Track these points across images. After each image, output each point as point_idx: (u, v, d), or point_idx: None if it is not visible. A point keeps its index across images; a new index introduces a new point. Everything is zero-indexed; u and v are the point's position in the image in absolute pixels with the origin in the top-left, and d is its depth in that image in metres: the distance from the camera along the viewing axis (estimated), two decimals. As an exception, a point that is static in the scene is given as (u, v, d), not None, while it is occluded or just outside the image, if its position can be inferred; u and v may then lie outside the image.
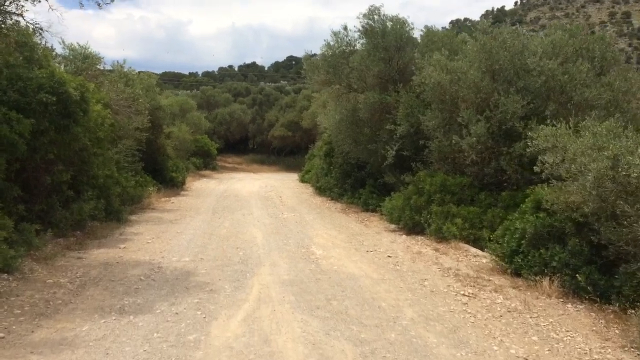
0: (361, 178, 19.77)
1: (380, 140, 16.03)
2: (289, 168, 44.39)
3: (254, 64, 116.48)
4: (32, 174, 9.40)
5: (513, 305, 6.98)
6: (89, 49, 14.34)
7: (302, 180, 30.23)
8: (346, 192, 20.07)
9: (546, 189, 8.06)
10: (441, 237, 11.46)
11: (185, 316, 6.06)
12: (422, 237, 12.01)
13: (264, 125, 48.57)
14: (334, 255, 9.89)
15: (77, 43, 14.31)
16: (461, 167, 12.90)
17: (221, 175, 35.13)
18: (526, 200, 8.97)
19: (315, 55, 17.80)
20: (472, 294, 7.45)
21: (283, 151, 49.66)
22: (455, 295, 7.40)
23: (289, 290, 7.22)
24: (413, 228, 12.62)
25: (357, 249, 10.69)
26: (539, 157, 8.25)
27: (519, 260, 8.25)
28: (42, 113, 8.93)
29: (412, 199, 12.57)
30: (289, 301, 6.70)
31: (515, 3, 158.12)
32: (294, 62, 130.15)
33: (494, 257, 8.91)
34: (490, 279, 8.28)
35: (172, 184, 21.33)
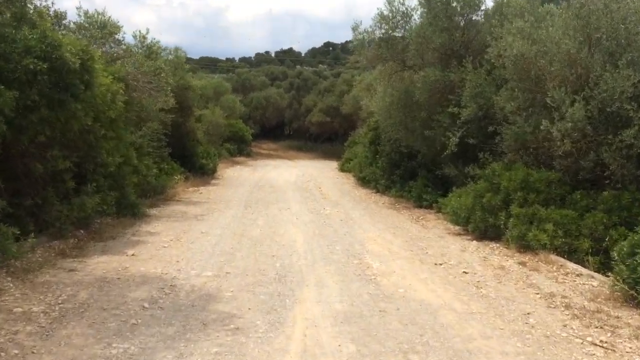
0: (412, 169, 17.52)
1: (439, 126, 13.72)
2: (327, 155, 42.23)
3: (290, 49, 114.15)
4: (20, 161, 7.53)
5: (676, 366, 4.73)
6: (108, 16, 12.45)
7: (342, 169, 28.10)
8: (394, 184, 17.85)
9: None
10: (524, 245, 9.18)
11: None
12: (498, 245, 9.75)
13: (301, 111, 46.45)
14: (395, 269, 7.74)
15: (95, 10, 12.45)
16: (546, 159, 10.56)
17: (256, 162, 33.27)
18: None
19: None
20: (605, 342, 5.21)
21: (320, 138, 47.52)
22: (582, 344, 5.16)
23: (346, 331, 5.11)
24: (485, 232, 10.35)
25: (423, 260, 8.51)
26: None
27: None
28: (30, 84, 7.02)
29: (485, 197, 10.29)
30: (349, 354, 4.59)
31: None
32: (331, 48, 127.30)
33: (616, 282, 6.61)
34: (619, 315, 6.00)
35: (202, 172, 19.49)
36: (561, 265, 8.24)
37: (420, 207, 14.81)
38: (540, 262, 8.44)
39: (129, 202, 10.56)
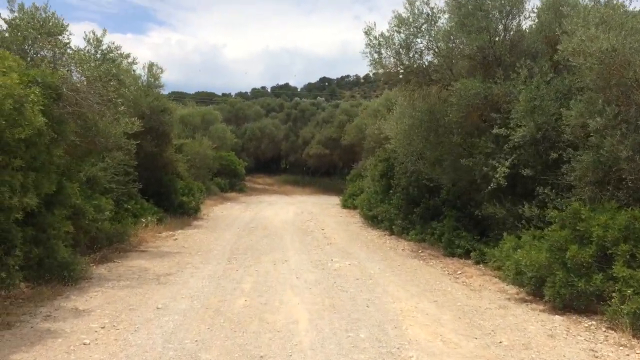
0: (435, 207, 14.43)
1: (478, 153, 10.72)
2: (326, 190, 39.16)
3: (287, 84, 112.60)
4: None
5: None
6: (51, 12, 9.54)
7: (345, 205, 24.98)
8: (413, 225, 14.74)
9: None
10: (644, 327, 6.04)
11: None
12: (597, 323, 6.61)
13: (298, 143, 43.47)
14: (470, 388, 4.54)
15: (33, 4, 9.53)
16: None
17: (249, 199, 30.06)
18: None
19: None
20: None
21: (318, 172, 44.48)
22: None
23: None
24: (570, 302, 7.17)
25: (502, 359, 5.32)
26: None
27: None
28: None
29: (570, 251, 7.13)
30: None
31: None
32: (326, 83, 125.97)
33: None
34: None
35: (182, 212, 16.29)
36: None
37: (453, 255, 11.66)
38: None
39: (56, 260, 7.35)
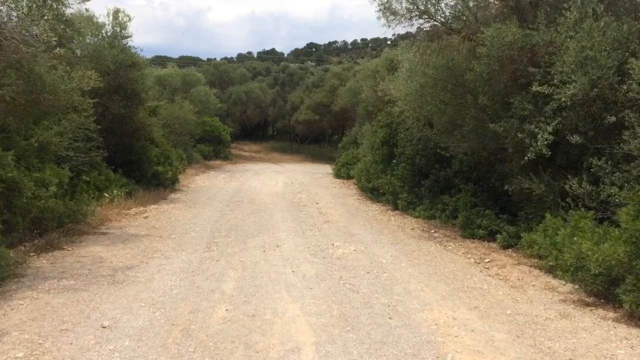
0: (445, 179, 12.66)
1: (510, 116, 8.84)
2: (315, 158, 37.25)
3: (273, 50, 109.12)
4: None
5: None
6: None
7: (338, 174, 23.11)
8: (420, 199, 12.95)
9: None
10: None
11: None
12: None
13: (287, 108, 41.17)
14: None
15: None
16: None
17: (234, 167, 28.02)
18: None
19: None
20: None
21: (307, 139, 42.40)
22: None
23: None
24: (656, 309, 5.43)
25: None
26: None
27: None
28: None
29: (660, 245, 5.35)
30: None
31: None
32: (314, 49, 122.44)
33: None
34: None
35: (156, 183, 14.28)
36: None
37: (473, 237, 9.91)
38: None
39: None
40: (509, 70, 8.82)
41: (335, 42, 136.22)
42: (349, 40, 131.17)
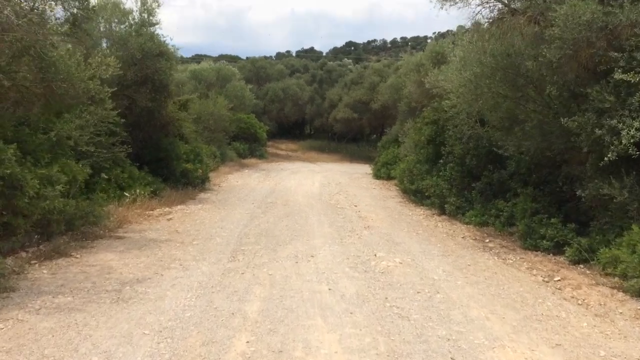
0: (499, 182, 11.37)
1: (585, 110, 7.56)
2: (353, 158, 36.07)
3: (312, 49, 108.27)
4: None
5: None
6: None
7: (377, 175, 21.94)
8: (471, 204, 11.72)
9: None
10: None
11: None
12: None
13: (324, 106, 40.12)
14: None
15: None
16: None
17: (270, 166, 27.12)
18: None
19: None
20: None
21: (345, 138, 41.26)
22: None
23: None
24: None
25: None
26: None
27: None
28: None
29: None
30: None
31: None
32: (352, 48, 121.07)
33: None
34: None
35: (185, 182, 13.42)
36: None
37: (536, 249, 8.65)
38: None
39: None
40: (585, 56, 7.52)
41: (375, 40, 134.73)
42: (389, 39, 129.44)
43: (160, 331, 4.48)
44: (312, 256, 7.61)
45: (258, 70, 40.33)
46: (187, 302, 5.31)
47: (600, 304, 6.04)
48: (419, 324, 5.00)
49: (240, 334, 4.52)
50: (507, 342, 4.65)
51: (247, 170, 23.21)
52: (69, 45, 8.12)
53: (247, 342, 4.36)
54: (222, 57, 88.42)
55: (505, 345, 4.58)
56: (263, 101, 36.47)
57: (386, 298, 5.77)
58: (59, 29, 8.18)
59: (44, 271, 6.03)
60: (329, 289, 6.00)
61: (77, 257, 6.72)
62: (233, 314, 5.03)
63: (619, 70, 6.95)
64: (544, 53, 7.82)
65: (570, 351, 4.54)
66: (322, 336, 4.58)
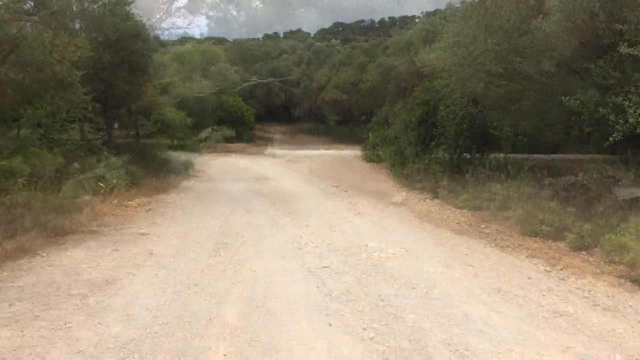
0: (494, 164, 10.95)
1: (587, 87, 7.09)
2: (343, 140, 35.39)
3: (299, 30, 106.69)
4: None
5: None
6: None
7: (367, 158, 21.41)
8: (464, 187, 11.28)
9: None
10: None
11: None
12: None
13: (313, 88, 39.38)
14: None
15: None
16: None
17: (258, 150, 26.46)
18: None
19: None
20: None
21: (335, 120, 40.56)
22: None
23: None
24: None
25: None
26: None
27: None
28: None
29: None
30: None
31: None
32: (340, 29, 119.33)
33: None
34: None
35: (168, 169, 12.86)
36: None
37: (535, 234, 8.20)
38: None
39: None
40: (586, 29, 7.04)
41: (362, 20, 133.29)
42: (377, 20, 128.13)
43: (124, 346, 3.98)
44: (299, 249, 7.13)
45: (244, 52, 39.46)
46: (160, 306, 4.81)
47: (608, 296, 5.62)
48: (415, 326, 4.55)
49: (217, 346, 4.04)
50: (513, 346, 4.21)
51: (233, 155, 22.60)
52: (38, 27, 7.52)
53: (224, 355, 3.88)
54: (207, 39, 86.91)
55: (512, 350, 4.14)
56: (250, 84, 35.71)
57: (379, 296, 5.31)
58: (22, 5, 7.60)
59: (5, 273, 5.51)
60: (317, 287, 5.53)
61: (43, 256, 6.19)
62: (210, 319, 4.54)
63: (624, 44, 6.47)
64: (543, 27, 7.34)
65: (585, 355, 4.10)
66: (309, 344, 4.11)
